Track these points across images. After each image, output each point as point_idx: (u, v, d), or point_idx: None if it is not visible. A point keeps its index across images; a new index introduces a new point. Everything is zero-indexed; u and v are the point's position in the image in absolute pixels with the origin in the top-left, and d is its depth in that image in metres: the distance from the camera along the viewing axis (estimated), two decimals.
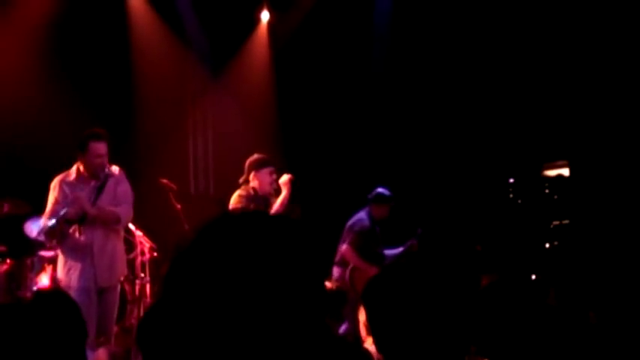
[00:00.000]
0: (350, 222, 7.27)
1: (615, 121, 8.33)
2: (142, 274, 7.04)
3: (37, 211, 5.95)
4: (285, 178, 6.16)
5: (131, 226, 6.84)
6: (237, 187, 6.22)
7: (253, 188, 6.15)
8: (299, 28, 9.62)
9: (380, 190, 7.38)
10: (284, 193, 6.11)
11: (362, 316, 6.69)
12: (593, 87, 8.50)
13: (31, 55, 8.17)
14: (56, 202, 5.49)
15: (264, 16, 9.83)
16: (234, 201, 6.13)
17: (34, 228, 6.21)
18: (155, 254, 7.19)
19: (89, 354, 3.33)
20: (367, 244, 7.18)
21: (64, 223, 5.42)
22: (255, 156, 6.28)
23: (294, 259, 1.25)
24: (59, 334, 2.24)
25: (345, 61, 9.59)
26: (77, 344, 2.29)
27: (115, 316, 5.73)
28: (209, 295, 1.20)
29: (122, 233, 5.93)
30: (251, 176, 6.16)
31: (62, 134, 7.05)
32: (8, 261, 6.58)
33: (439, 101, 9.44)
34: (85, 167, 5.53)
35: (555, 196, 8.34)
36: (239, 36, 9.78)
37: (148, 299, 6.91)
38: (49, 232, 5.47)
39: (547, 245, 8.21)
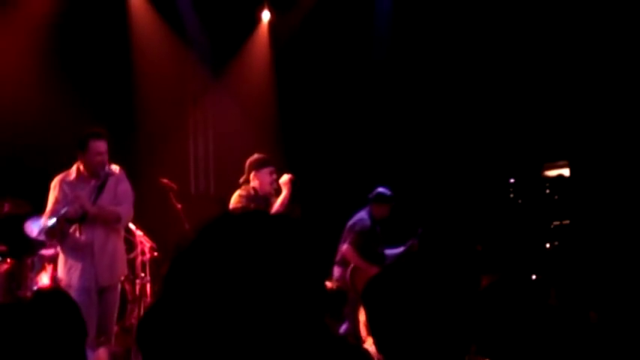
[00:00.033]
0: (350, 222, 7.27)
1: (616, 121, 8.32)
2: (143, 274, 7.04)
3: (38, 210, 5.95)
4: (285, 178, 6.16)
5: (131, 225, 6.84)
6: (238, 186, 6.23)
7: (253, 188, 6.15)
8: (300, 28, 9.62)
9: (380, 189, 7.38)
10: (284, 193, 6.11)
11: (362, 316, 6.68)
12: (594, 87, 8.50)
13: (31, 55, 8.17)
14: (56, 202, 5.48)
15: (265, 15, 9.83)
16: (234, 201, 6.13)
17: (34, 228, 6.20)
18: (155, 254, 7.19)
19: (89, 353, 3.33)
20: (368, 243, 7.18)
21: (64, 222, 5.42)
22: (256, 156, 6.28)
23: (294, 258, 1.24)
24: (59, 333, 2.23)
25: (346, 61, 9.59)
26: (77, 344, 2.29)
27: (115, 315, 5.73)
28: (209, 295, 1.20)
29: (122, 233, 5.93)
30: (251, 176, 6.16)
31: (63, 134, 7.04)
32: (9, 260, 6.58)
33: (440, 101, 9.44)
34: (85, 166, 5.52)
35: (556, 197, 8.34)
36: (240, 36, 9.78)
37: (149, 299, 6.91)
38: (49, 231, 5.47)
39: (547, 245, 8.21)
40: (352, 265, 7.08)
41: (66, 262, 5.55)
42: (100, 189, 5.52)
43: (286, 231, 1.27)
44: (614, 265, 7.27)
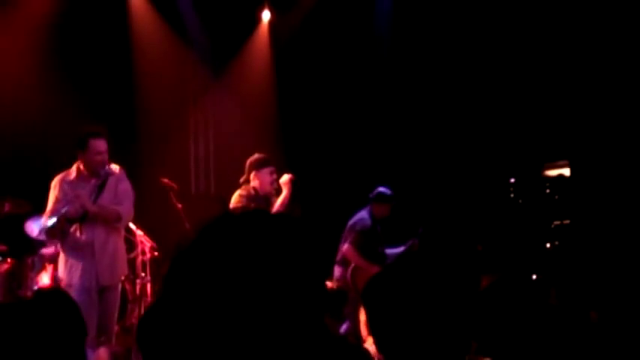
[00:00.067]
0: (351, 221, 7.27)
1: (616, 121, 8.32)
2: (143, 274, 7.04)
3: (38, 210, 5.95)
4: (285, 177, 6.17)
5: (132, 225, 6.84)
6: (238, 186, 6.23)
7: (254, 188, 6.15)
8: (300, 28, 9.62)
9: (381, 189, 7.38)
10: (285, 192, 6.11)
11: (363, 315, 6.68)
12: (594, 87, 8.50)
13: (31, 55, 8.17)
14: (57, 201, 5.48)
15: (265, 15, 9.83)
16: (234, 201, 6.13)
17: (34, 227, 6.21)
18: (156, 253, 7.20)
19: (90, 353, 3.33)
20: (368, 243, 7.18)
21: (64, 221, 5.41)
22: (256, 156, 6.28)
23: (295, 258, 1.24)
24: (59, 333, 2.23)
25: (346, 61, 9.59)
26: (76, 343, 2.29)
27: (116, 315, 5.73)
28: (210, 295, 1.20)
29: (123, 232, 5.93)
30: (252, 176, 6.16)
31: (63, 134, 7.04)
32: (9, 260, 6.58)
33: (440, 101, 9.44)
34: (85, 165, 5.52)
35: (556, 196, 8.33)
36: (240, 35, 9.78)
37: (149, 299, 6.91)
38: (49, 231, 5.47)
39: (548, 245, 8.20)
40: (353, 264, 7.08)
41: (66, 261, 5.54)
42: (100, 188, 5.52)
43: (287, 231, 1.27)
44: (615, 265, 7.27)
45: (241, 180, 6.22)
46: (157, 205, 7.38)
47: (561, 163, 8.57)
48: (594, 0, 8.50)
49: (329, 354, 1.40)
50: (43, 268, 6.51)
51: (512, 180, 8.61)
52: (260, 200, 6.09)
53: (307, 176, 7.06)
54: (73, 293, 5.09)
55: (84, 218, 5.45)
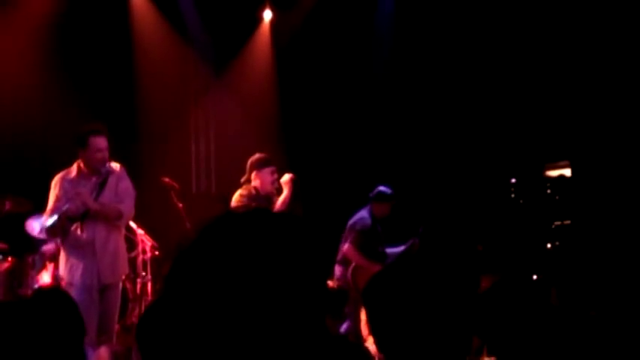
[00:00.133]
0: (351, 221, 7.26)
1: (617, 121, 8.32)
2: (144, 273, 7.05)
3: (39, 208, 5.95)
4: (286, 177, 6.17)
5: (133, 224, 6.84)
6: (239, 186, 6.23)
7: (255, 187, 6.15)
8: (301, 27, 9.62)
9: (381, 188, 7.37)
10: (285, 192, 6.11)
11: (363, 315, 6.68)
12: (595, 87, 8.50)
13: (32, 54, 8.18)
14: (57, 200, 5.48)
15: (267, 15, 9.82)
16: (235, 200, 6.13)
17: (35, 226, 6.22)
18: (156, 253, 7.21)
19: (90, 352, 3.33)
20: (369, 242, 7.17)
21: (65, 219, 5.41)
22: (257, 155, 6.28)
23: (296, 257, 1.24)
24: (57, 332, 2.23)
25: (347, 60, 9.59)
26: (76, 342, 2.29)
27: (116, 314, 5.72)
28: (210, 294, 1.20)
29: (124, 231, 5.93)
30: (253, 175, 6.16)
31: (64, 133, 7.05)
32: (10, 259, 6.59)
33: (441, 101, 9.43)
34: (85, 163, 5.52)
35: (557, 197, 8.33)
36: (241, 35, 9.78)
37: (150, 298, 6.92)
38: (50, 229, 5.46)
39: (549, 245, 8.20)
40: (353, 264, 7.08)
41: (67, 260, 5.54)
42: (101, 186, 5.51)
43: (288, 230, 1.27)
44: (615, 265, 7.26)
45: (242, 179, 6.22)
46: (157, 204, 7.38)
47: (562, 163, 8.57)
48: (594, 0, 8.50)
49: (329, 354, 1.40)
50: (43, 267, 6.52)
51: (513, 180, 8.60)
52: (261, 200, 6.09)
53: (308, 176, 7.06)
54: (74, 292, 5.10)
55: (85, 216, 5.45)
